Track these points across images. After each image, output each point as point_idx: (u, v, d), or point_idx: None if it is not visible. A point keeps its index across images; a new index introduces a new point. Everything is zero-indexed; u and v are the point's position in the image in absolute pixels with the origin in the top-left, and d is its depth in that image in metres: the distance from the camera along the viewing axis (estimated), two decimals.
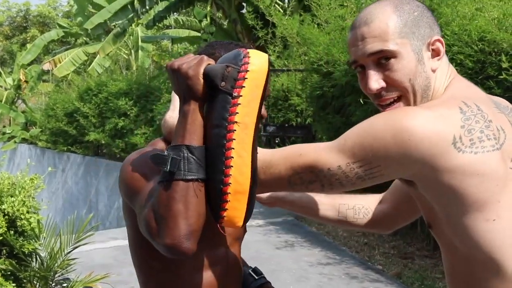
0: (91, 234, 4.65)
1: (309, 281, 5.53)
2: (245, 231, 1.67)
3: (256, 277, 1.78)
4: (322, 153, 1.27)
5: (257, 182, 1.27)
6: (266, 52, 10.97)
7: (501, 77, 4.62)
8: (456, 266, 1.39)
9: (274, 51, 10.38)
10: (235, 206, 1.23)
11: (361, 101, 6.35)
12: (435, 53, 1.34)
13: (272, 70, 8.00)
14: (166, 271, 1.45)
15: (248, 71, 1.20)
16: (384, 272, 5.88)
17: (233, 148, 1.19)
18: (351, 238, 7.11)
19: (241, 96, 1.19)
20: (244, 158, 1.21)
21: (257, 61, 1.22)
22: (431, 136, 1.16)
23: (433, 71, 1.34)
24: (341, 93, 7.11)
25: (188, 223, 1.18)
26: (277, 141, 9.89)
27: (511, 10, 4.90)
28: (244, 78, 1.19)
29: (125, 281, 5.57)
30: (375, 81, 1.32)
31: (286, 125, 9.83)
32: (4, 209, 4.18)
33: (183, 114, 1.26)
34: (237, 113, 1.19)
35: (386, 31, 1.30)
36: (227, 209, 1.23)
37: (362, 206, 1.74)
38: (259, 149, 1.35)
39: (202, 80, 1.23)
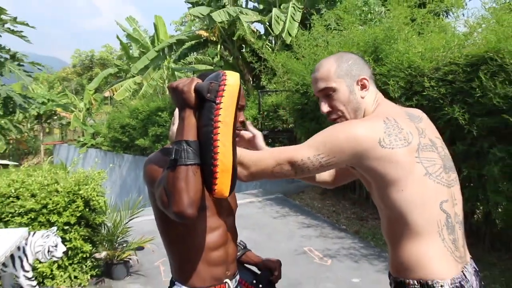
0: (141, 210, 4.68)
1: (295, 239, 5.54)
2: (236, 206, 1.66)
3: (242, 247, 1.84)
4: (297, 150, 1.39)
5: (236, 163, 1.33)
6: (260, 79, 11.07)
7: (424, 93, 4.66)
8: (384, 224, 1.47)
9: (266, 78, 10.40)
10: (222, 181, 1.28)
11: None
12: (363, 87, 1.49)
13: (265, 91, 8.06)
14: (182, 235, 1.47)
15: (226, 85, 1.27)
16: (347, 230, 5.89)
17: (219, 140, 1.26)
18: (323, 207, 7.10)
19: (222, 103, 1.26)
20: (227, 146, 1.27)
21: (231, 78, 1.29)
22: (366, 138, 1.33)
23: (362, 98, 1.49)
24: (315, 107, 7.14)
25: (189, 196, 1.23)
26: (269, 141, 9.90)
27: (430, 47, 4.92)
28: (223, 90, 1.27)
29: None
30: (324, 107, 1.51)
31: (276, 130, 9.84)
32: (81, 193, 4.20)
33: (181, 119, 1.31)
34: (220, 115, 1.26)
35: (328, 75, 1.48)
36: (217, 183, 1.28)
37: None
38: (253, 151, 1.47)
39: (193, 94, 1.29)
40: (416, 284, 1.33)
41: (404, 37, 5.52)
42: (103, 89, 24.84)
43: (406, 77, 5.00)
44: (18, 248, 3.45)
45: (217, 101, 1.26)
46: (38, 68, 6.64)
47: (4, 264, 3.41)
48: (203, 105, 1.28)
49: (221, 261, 1.51)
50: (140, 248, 4.87)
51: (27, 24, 6.51)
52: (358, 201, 6.99)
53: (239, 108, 1.44)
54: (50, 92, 26.60)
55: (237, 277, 1.61)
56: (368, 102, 1.49)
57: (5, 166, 15.67)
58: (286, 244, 5.37)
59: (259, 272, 1.79)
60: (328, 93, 1.49)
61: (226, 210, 1.57)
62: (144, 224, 6.53)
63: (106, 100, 23.29)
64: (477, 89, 4.10)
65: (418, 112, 1.56)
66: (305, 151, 1.37)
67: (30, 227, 4.07)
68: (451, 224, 1.37)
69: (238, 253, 1.77)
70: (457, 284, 1.32)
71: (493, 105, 3.96)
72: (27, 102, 5.90)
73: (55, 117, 26.06)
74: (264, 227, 6.12)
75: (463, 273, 1.35)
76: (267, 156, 1.42)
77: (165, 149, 1.31)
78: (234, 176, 1.31)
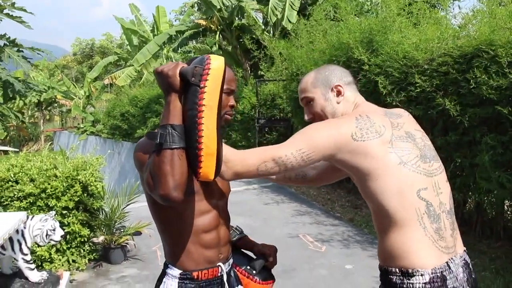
0: (137, 195, 4.70)
1: (290, 225, 5.59)
2: (229, 189, 1.66)
3: (238, 233, 1.82)
4: (280, 147, 1.44)
5: (222, 146, 1.34)
6: (258, 67, 11.02)
7: (418, 84, 4.66)
8: (372, 216, 1.50)
9: (265, 66, 10.37)
10: (207, 165, 1.28)
11: None
12: (338, 93, 1.59)
13: (262, 80, 8.02)
14: (172, 218, 1.47)
15: (210, 69, 1.26)
16: (342, 218, 5.94)
17: (203, 123, 1.25)
18: (318, 195, 7.15)
19: (206, 86, 1.25)
20: (211, 130, 1.26)
21: (216, 62, 1.27)
22: (340, 134, 1.41)
23: (338, 103, 1.58)
24: None
25: (174, 179, 1.23)
26: (266, 130, 9.91)
27: (425, 38, 4.91)
28: (207, 74, 1.26)
29: None
30: (306, 115, 1.65)
31: (273, 118, 9.82)
32: (80, 178, 4.22)
33: (166, 103, 1.30)
34: (204, 99, 1.25)
35: (306, 86, 1.62)
36: (202, 167, 1.29)
37: (302, 171, 1.89)
38: (240, 150, 1.48)
39: (178, 78, 1.28)
40: (398, 272, 1.36)
41: (398, 28, 5.50)
42: (103, 77, 24.76)
43: (400, 68, 4.99)
44: (17, 231, 3.47)
45: (201, 85, 1.25)
46: (38, 53, 6.58)
47: (3, 247, 3.43)
48: (188, 89, 1.28)
49: (213, 244, 1.50)
50: (138, 233, 4.90)
51: (25, 10, 6.46)
52: (353, 190, 7.02)
53: (229, 92, 1.46)
54: (50, 79, 26.49)
55: (231, 260, 1.61)
56: (344, 106, 1.58)
57: (6, 152, 15.66)
58: (281, 230, 5.42)
59: (254, 258, 1.78)
60: (307, 102, 1.62)
61: (218, 193, 1.57)
62: (141, 209, 6.55)
63: (106, 88, 23.16)
64: (471, 81, 4.11)
65: (399, 111, 1.62)
66: (287, 148, 1.42)
67: (29, 211, 4.09)
68: (433, 213, 1.38)
69: (234, 238, 1.77)
70: (437, 274, 1.32)
71: (484, 96, 3.98)
72: (26, 88, 5.86)
73: (55, 105, 25.99)
74: (259, 213, 6.16)
75: (447, 264, 1.36)
76: (251, 154, 1.45)
77: (151, 133, 1.30)
78: (219, 159, 1.31)
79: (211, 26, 12.55)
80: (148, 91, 15.13)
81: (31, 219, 3.56)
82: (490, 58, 3.96)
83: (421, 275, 1.31)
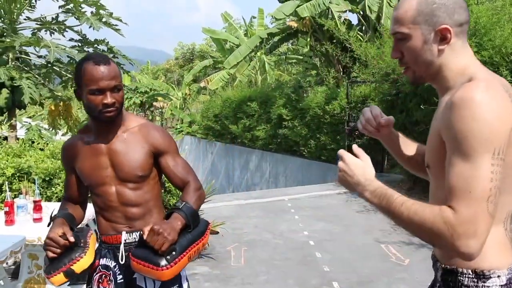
0: (213, 194, 4.69)
1: (373, 234, 5.22)
2: (134, 176, 1.73)
3: (180, 206, 1.68)
4: (475, 173, 1.04)
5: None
6: (350, 69, 10.64)
7: None
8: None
9: (357, 68, 9.98)
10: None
11: (421, 106, 6.01)
12: (443, 38, 1.20)
13: (354, 81, 7.74)
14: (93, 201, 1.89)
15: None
16: None
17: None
18: None
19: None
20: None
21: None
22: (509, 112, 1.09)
23: (439, 51, 1.20)
24: (404, 98, 6.74)
25: None
26: (356, 133, 9.50)
27: None
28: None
29: (239, 228, 5.58)
30: (393, 52, 1.29)
31: None
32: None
33: None
34: None
35: (403, 18, 1.23)
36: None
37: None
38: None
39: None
40: (471, 274, 1.18)
41: (509, 19, 4.89)
42: (201, 79, 25.84)
43: (508, 66, 4.41)
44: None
45: None
46: (130, 63, 7.03)
47: None
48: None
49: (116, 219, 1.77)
50: (214, 232, 4.89)
51: (121, 20, 6.91)
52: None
53: (96, 90, 1.60)
54: (153, 82, 28.22)
55: (137, 233, 1.76)
56: (447, 58, 1.21)
57: None
58: (362, 238, 5.09)
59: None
60: (400, 38, 1.25)
61: (113, 179, 1.74)
62: (223, 209, 6.66)
63: (203, 90, 24.11)
64: None
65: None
66: (483, 166, 1.04)
67: None
68: None
69: (167, 212, 1.76)
70: None
71: None
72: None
73: (152, 108, 27.58)
74: (343, 219, 5.88)
75: None
76: (469, 205, 1.04)
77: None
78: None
79: (303, 28, 12.40)
80: (239, 93, 15.43)
81: None
82: None
83: (498, 276, 1.16)
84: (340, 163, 1.26)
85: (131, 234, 1.76)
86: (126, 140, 1.73)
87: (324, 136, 10.48)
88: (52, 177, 4.27)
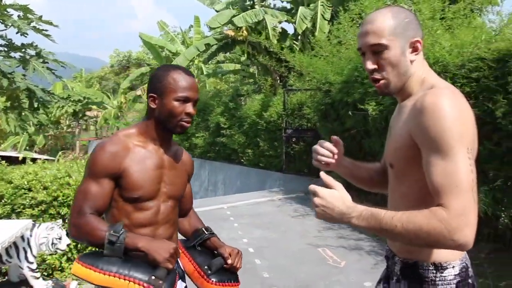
0: None
1: (310, 239, 5.33)
2: (180, 194, 1.75)
3: (207, 233, 1.85)
4: (459, 167, 1.12)
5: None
6: (287, 77, 10.86)
7: None
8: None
9: (293, 76, 10.21)
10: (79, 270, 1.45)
11: (350, 113, 6.24)
12: (414, 49, 1.31)
13: (290, 89, 7.88)
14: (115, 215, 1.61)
15: None
16: (367, 232, 5.62)
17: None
18: None
19: None
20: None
21: None
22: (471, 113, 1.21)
23: (412, 61, 1.31)
24: (338, 106, 6.97)
25: None
26: (293, 140, 9.70)
27: (458, 42, 4.63)
28: None
29: (179, 237, 5.47)
30: (369, 64, 1.32)
31: (300, 128, 9.62)
32: None
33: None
34: None
35: (382, 30, 1.29)
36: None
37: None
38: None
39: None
40: (431, 266, 1.29)
41: (429, 32, 5.22)
42: (137, 87, 25.26)
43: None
44: (23, 239, 3.40)
45: None
46: (62, 66, 6.64)
47: (9, 255, 3.37)
48: None
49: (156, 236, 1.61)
50: None
51: (51, 23, 6.54)
52: (381, 202, 6.64)
53: (183, 100, 1.58)
54: (86, 90, 27.22)
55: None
56: (416, 67, 1.31)
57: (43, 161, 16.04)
58: (299, 243, 5.17)
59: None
60: (378, 50, 1.30)
61: (164, 195, 1.66)
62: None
63: (140, 98, 23.58)
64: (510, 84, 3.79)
65: None
66: (463, 160, 1.12)
67: (41, 219, 4.04)
68: None
69: (204, 237, 1.83)
70: (464, 264, 1.30)
71: None
72: (48, 97, 5.88)
73: (85, 117, 26.59)
74: (279, 225, 5.95)
75: (465, 253, 1.33)
76: (458, 200, 1.11)
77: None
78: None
79: (240, 37, 12.51)
80: None
81: (37, 227, 3.50)
82: None
83: (453, 267, 1.28)
84: (315, 199, 1.25)
85: None
86: (179, 158, 1.76)
87: (262, 143, 10.59)
88: None
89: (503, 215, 4.64)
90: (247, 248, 5.05)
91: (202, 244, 1.83)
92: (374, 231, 1.21)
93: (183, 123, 1.59)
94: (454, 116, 1.12)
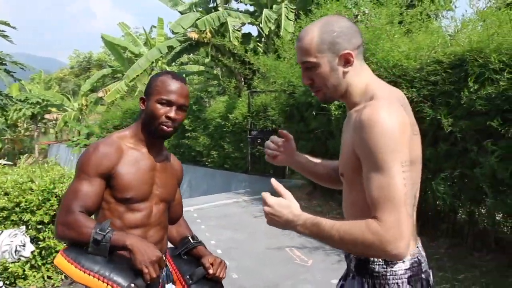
0: None
1: (277, 239, 5.40)
2: (172, 198, 1.79)
3: (192, 241, 1.86)
4: (392, 176, 1.17)
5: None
6: (252, 79, 10.93)
7: (406, 93, 4.54)
8: (355, 209, 1.39)
9: (257, 78, 10.28)
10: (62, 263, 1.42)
11: (313, 113, 6.35)
12: (346, 62, 1.33)
13: (254, 91, 7.91)
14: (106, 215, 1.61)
15: None
16: None
17: None
18: (309, 208, 6.96)
19: None
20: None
21: None
22: (406, 122, 1.26)
23: (345, 73, 1.34)
24: (302, 108, 7.08)
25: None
26: (258, 141, 9.76)
27: (415, 46, 4.81)
28: None
29: None
30: (305, 79, 1.39)
31: (265, 130, 9.70)
32: (56, 192, 4.06)
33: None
34: None
35: (309, 48, 1.33)
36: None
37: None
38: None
39: None
40: (381, 261, 1.31)
41: (388, 37, 5.40)
42: (99, 89, 24.71)
43: (389, 77, 4.87)
44: None
45: None
46: (21, 68, 6.43)
47: None
48: None
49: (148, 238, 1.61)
50: None
51: (8, 24, 6.35)
52: None
53: (165, 103, 1.58)
54: (45, 92, 26.39)
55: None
56: (352, 78, 1.35)
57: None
58: (267, 244, 5.23)
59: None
60: (309, 66, 1.35)
61: (156, 197, 1.68)
62: None
63: (101, 100, 23.09)
64: (465, 90, 3.98)
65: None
66: (396, 175, 1.16)
67: (2, 226, 3.92)
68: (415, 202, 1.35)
69: (189, 245, 1.83)
70: (415, 259, 1.32)
71: (475, 108, 3.86)
72: (6, 100, 5.68)
73: (44, 120, 25.77)
74: (246, 226, 5.99)
75: (418, 247, 1.36)
76: (389, 213, 1.16)
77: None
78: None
79: (204, 39, 12.48)
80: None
81: None
82: (480, 66, 3.84)
83: (403, 262, 1.29)
84: (265, 208, 1.32)
85: None
86: (169, 162, 1.80)
87: (227, 145, 10.61)
88: None
89: (460, 211, 4.86)
90: (215, 250, 5.06)
91: (188, 253, 1.83)
92: (317, 238, 1.27)
93: (163, 126, 1.58)
94: (389, 130, 1.16)
